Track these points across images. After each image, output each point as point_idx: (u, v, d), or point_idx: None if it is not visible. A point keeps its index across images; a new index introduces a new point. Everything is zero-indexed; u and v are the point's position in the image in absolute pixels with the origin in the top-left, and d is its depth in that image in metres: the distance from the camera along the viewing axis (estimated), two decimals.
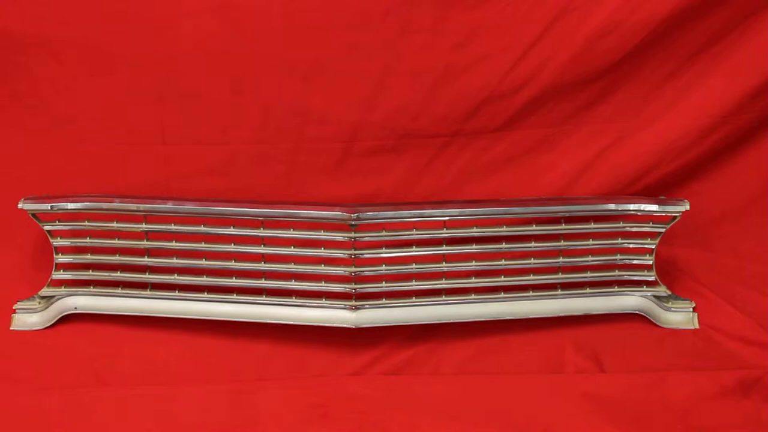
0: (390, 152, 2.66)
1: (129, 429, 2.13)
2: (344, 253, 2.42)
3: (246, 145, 2.63)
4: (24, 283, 2.59)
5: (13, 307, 2.50)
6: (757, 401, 2.21)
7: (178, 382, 2.31)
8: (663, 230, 2.46)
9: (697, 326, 2.50)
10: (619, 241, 2.48)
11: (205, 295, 2.48)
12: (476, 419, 2.15)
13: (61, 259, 2.51)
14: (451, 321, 2.46)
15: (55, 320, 2.50)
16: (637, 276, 2.51)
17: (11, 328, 2.49)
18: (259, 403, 2.22)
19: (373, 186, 2.68)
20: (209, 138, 2.62)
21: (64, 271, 2.52)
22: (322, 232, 2.41)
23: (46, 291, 2.51)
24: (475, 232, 2.43)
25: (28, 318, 2.50)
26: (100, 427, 2.14)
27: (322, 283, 2.45)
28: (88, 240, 2.49)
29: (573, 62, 2.58)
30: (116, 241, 2.48)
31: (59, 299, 2.50)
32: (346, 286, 2.44)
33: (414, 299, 2.46)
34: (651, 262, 2.50)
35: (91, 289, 2.51)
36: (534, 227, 2.46)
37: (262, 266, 2.46)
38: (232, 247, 2.45)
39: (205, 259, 2.47)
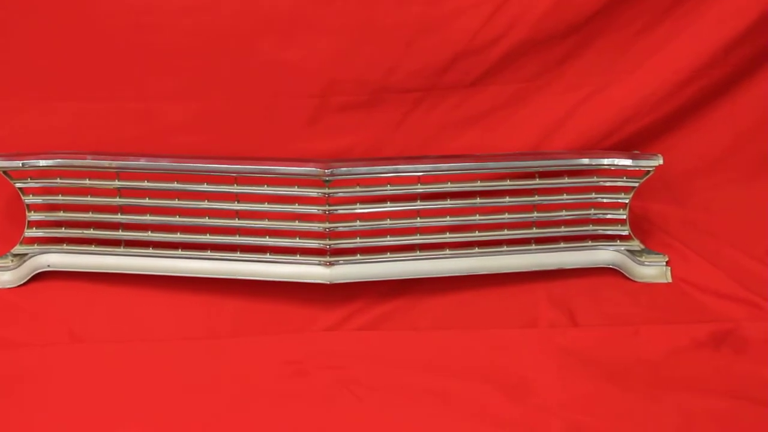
0: (364, 107, 2.65)
1: (104, 386, 2.12)
2: (318, 209, 2.41)
3: (220, 101, 2.62)
4: None
5: None
6: (729, 354, 2.23)
7: (152, 339, 2.30)
8: (636, 185, 2.46)
9: (669, 280, 2.51)
10: (593, 195, 2.49)
11: (179, 251, 2.47)
12: (451, 373, 2.15)
13: (34, 216, 2.49)
14: (426, 276, 2.46)
15: (28, 278, 2.49)
16: (610, 230, 2.52)
17: None
18: (234, 359, 2.22)
19: (348, 141, 2.67)
20: (183, 94, 2.60)
21: (36, 228, 2.50)
22: (296, 188, 2.40)
23: (18, 249, 2.50)
24: (449, 187, 2.43)
25: (1, 276, 2.48)
26: (74, 384, 2.13)
27: (297, 240, 2.44)
28: (60, 197, 2.48)
29: (547, 16, 2.57)
30: (89, 199, 2.47)
31: (32, 257, 2.49)
32: (321, 242, 2.43)
33: (388, 255, 2.46)
34: (624, 217, 2.50)
35: (64, 246, 2.50)
36: (508, 182, 2.46)
37: (236, 222, 2.45)
38: (205, 204, 2.44)
39: (179, 216, 2.46)
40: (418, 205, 2.44)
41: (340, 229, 2.43)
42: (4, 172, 2.43)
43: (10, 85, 2.60)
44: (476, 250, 2.49)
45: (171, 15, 2.53)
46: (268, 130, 2.65)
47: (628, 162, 2.45)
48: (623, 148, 2.63)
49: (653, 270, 2.52)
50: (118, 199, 2.45)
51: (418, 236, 2.47)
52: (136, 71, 2.58)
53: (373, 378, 2.15)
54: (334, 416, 2.04)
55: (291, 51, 2.57)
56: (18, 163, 2.41)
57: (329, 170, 2.35)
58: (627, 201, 2.49)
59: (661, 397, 2.09)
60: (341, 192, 2.40)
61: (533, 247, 2.51)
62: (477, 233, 2.49)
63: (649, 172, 2.45)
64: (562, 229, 2.51)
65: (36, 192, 2.49)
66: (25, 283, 2.49)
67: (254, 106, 2.63)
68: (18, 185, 2.45)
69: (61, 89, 2.59)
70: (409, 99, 2.65)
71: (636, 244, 2.52)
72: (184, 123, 2.63)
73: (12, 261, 2.49)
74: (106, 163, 2.41)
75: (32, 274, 2.50)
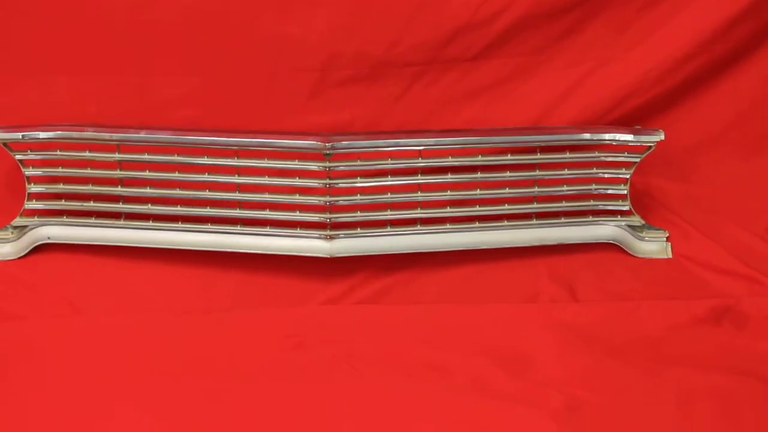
0: (365, 81, 2.64)
1: (103, 357, 2.13)
2: (319, 183, 2.41)
3: (220, 75, 2.61)
4: None
5: None
6: (729, 329, 2.23)
7: (151, 311, 2.31)
8: (638, 160, 2.46)
9: (670, 256, 2.51)
10: (594, 170, 2.48)
11: (180, 224, 2.47)
12: (451, 347, 2.16)
13: (34, 188, 2.49)
14: (426, 251, 2.46)
15: (28, 250, 2.49)
16: (611, 206, 2.52)
17: None
18: (233, 332, 2.23)
19: (348, 115, 2.66)
20: (183, 67, 2.59)
21: (36, 201, 2.50)
22: (296, 162, 2.40)
23: (18, 221, 2.49)
24: (450, 161, 2.43)
25: (1, 248, 2.49)
26: (73, 356, 2.13)
27: (297, 213, 2.44)
28: (60, 169, 2.47)
29: None
30: (89, 171, 2.46)
31: (32, 229, 2.49)
32: (321, 215, 2.43)
33: (389, 229, 2.46)
34: (625, 192, 2.50)
35: (64, 219, 2.50)
36: (509, 157, 2.45)
37: (237, 196, 2.45)
38: (206, 177, 2.44)
39: (180, 189, 2.46)
40: (419, 179, 2.44)
41: (341, 202, 2.43)
42: (5, 144, 2.42)
43: (10, 58, 2.58)
44: (477, 224, 2.49)
45: None
46: (268, 104, 2.64)
47: (629, 137, 2.44)
48: (625, 123, 2.62)
49: (654, 245, 2.51)
50: (118, 172, 2.45)
51: (419, 210, 2.47)
52: (135, 45, 2.57)
53: (373, 352, 2.15)
54: (333, 389, 2.04)
55: (291, 25, 2.56)
56: (18, 135, 2.40)
57: (330, 144, 2.34)
58: (628, 176, 2.48)
59: (661, 372, 2.09)
60: (342, 165, 2.40)
61: (534, 222, 2.50)
62: (478, 208, 2.49)
63: (650, 147, 2.44)
64: (563, 204, 2.51)
65: (36, 164, 2.49)
66: (24, 256, 2.49)
67: (254, 80, 2.62)
68: (18, 157, 2.44)
69: (60, 63, 2.58)
70: (409, 73, 2.64)
71: (637, 220, 2.52)
72: (184, 97, 2.62)
73: (12, 233, 2.49)
74: (106, 135, 2.40)
75: (32, 247, 2.50)
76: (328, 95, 2.64)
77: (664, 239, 2.52)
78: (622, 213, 2.52)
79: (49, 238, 2.50)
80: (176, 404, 2.00)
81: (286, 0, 2.54)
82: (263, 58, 2.60)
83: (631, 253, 2.52)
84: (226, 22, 2.55)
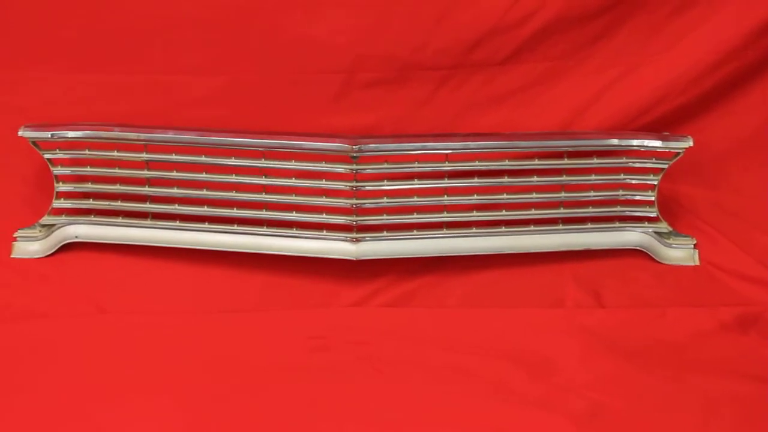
0: (391, 84, 2.64)
1: (128, 357, 2.14)
2: (345, 185, 2.41)
3: (246, 75, 2.62)
4: (25, 212, 2.58)
5: (14, 235, 2.50)
6: (756, 338, 2.22)
7: (177, 311, 2.32)
8: (666, 166, 2.45)
9: (697, 263, 2.50)
10: (622, 176, 2.47)
11: (206, 225, 2.47)
12: (475, 351, 2.15)
13: (62, 187, 2.50)
14: (452, 254, 2.46)
15: (55, 249, 2.50)
16: (638, 212, 2.51)
17: (12, 256, 2.49)
18: (258, 333, 2.23)
19: (374, 118, 2.66)
20: (210, 67, 2.60)
21: (64, 199, 2.51)
22: (323, 164, 2.40)
23: (46, 219, 2.51)
24: (477, 165, 2.43)
25: (29, 246, 2.50)
26: (99, 355, 2.14)
27: (323, 215, 2.44)
28: (88, 169, 2.48)
29: None
30: (117, 170, 2.47)
31: (60, 228, 2.50)
32: (347, 218, 2.43)
33: (415, 232, 2.46)
34: (653, 199, 2.49)
35: (92, 218, 2.51)
36: (536, 161, 2.45)
37: (263, 197, 2.45)
38: (233, 178, 2.44)
39: (206, 190, 2.46)
40: (446, 182, 2.44)
41: (367, 205, 2.43)
42: (33, 143, 2.43)
43: (37, 56, 2.60)
44: (503, 229, 2.48)
45: None
46: (294, 105, 2.65)
47: (657, 143, 2.43)
48: (653, 129, 2.61)
49: (681, 252, 2.50)
50: (145, 172, 2.46)
51: (446, 214, 2.46)
52: (162, 44, 2.59)
53: (397, 354, 2.15)
54: (356, 391, 2.04)
55: (319, 26, 2.57)
56: (47, 134, 2.42)
57: (357, 146, 2.34)
58: (656, 183, 2.47)
59: (685, 379, 2.08)
60: (369, 168, 2.40)
61: (560, 227, 2.50)
62: (504, 212, 2.48)
63: (678, 153, 2.43)
64: (590, 209, 2.50)
65: (65, 163, 2.50)
66: (52, 254, 2.50)
67: (281, 81, 2.63)
68: (47, 156, 2.46)
69: (88, 61, 2.60)
70: (436, 76, 2.64)
71: (664, 226, 2.50)
72: (210, 97, 2.63)
73: (40, 231, 2.50)
74: (134, 135, 2.41)
75: (60, 245, 2.51)
76: (354, 98, 2.64)
77: (692, 246, 2.51)
78: (649, 219, 2.51)
79: (76, 236, 2.51)
80: (200, 403, 2.01)
81: (313, 1, 2.55)
82: (290, 59, 2.60)
83: (657, 259, 2.51)
84: (254, 23, 2.56)
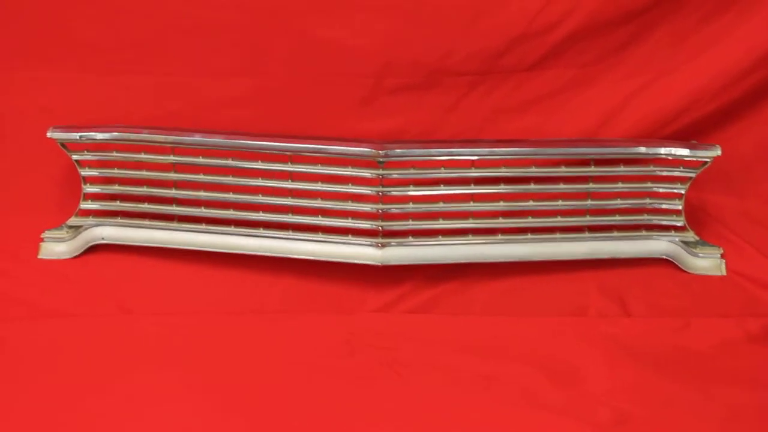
0: (419, 89, 2.63)
1: (152, 358, 2.14)
2: (371, 190, 2.41)
3: (274, 79, 2.62)
4: (52, 212, 2.60)
5: (41, 236, 2.52)
6: None
7: (202, 313, 2.32)
8: (693, 175, 2.44)
9: (724, 273, 2.48)
10: (649, 185, 2.46)
11: (232, 228, 2.48)
12: (499, 358, 2.15)
13: (89, 189, 2.52)
14: (478, 261, 2.46)
15: (82, 250, 2.52)
16: (665, 221, 2.50)
17: (39, 257, 2.51)
18: (282, 337, 2.23)
19: (401, 123, 2.66)
20: (237, 70, 2.61)
21: (92, 201, 2.53)
22: (349, 169, 2.40)
23: (73, 221, 2.52)
24: (503, 172, 2.42)
25: (56, 247, 2.51)
26: (123, 356, 2.15)
27: (349, 220, 2.45)
28: (115, 171, 2.50)
29: (607, 2, 2.54)
30: (144, 173, 2.49)
31: (87, 229, 2.52)
32: (373, 223, 2.43)
33: (440, 238, 2.45)
34: (680, 207, 2.48)
35: (119, 219, 2.53)
36: (563, 168, 2.45)
37: (289, 201, 2.46)
38: (259, 182, 2.45)
39: (233, 193, 2.47)
40: (472, 189, 2.44)
41: (393, 210, 2.43)
42: (62, 144, 2.45)
43: (66, 57, 2.61)
44: (529, 236, 2.48)
45: None
46: (321, 109, 2.65)
47: (685, 152, 2.42)
48: (681, 137, 2.60)
49: (707, 262, 2.49)
50: (172, 174, 2.47)
51: (471, 220, 2.46)
52: (190, 46, 2.59)
53: (421, 360, 2.15)
54: (379, 397, 2.04)
55: (347, 30, 2.57)
56: (75, 136, 2.43)
57: (384, 151, 2.34)
58: (683, 191, 2.46)
59: (709, 389, 2.07)
60: (395, 173, 2.40)
61: (586, 234, 2.49)
62: (530, 219, 2.48)
63: (706, 162, 2.42)
64: (616, 217, 2.49)
65: (92, 165, 2.51)
66: (79, 255, 2.52)
67: (308, 85, 2.63)
68: (75, 157, 2.47)
69: (116, 63, 2.60)
70: (465, 82, 2.63)
71: (691, 236, 2.49)
72: (237, 100, 2.64)
73: (67, 233, 2.51)
74: (161, 137, 2.43)
75: (86, 246, 2.52)
76: (381, 102, 2.64)
77: (719, 256, 2.49)
78: (676, 228, 2.50)
79: (103, 238, 2.52)
80: (222, 404, 2.01)
81: (342, 6, 2.55)
82: (318, 63, 2.60)
83: (684, 269, 2.50)
84: (282, 26, 2.56)
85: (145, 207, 2.51)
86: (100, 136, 2.44)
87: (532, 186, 2.44)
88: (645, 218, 2.50)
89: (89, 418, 1.97)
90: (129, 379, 2.07)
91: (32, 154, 2.62)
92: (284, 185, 2.44)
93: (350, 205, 2.44)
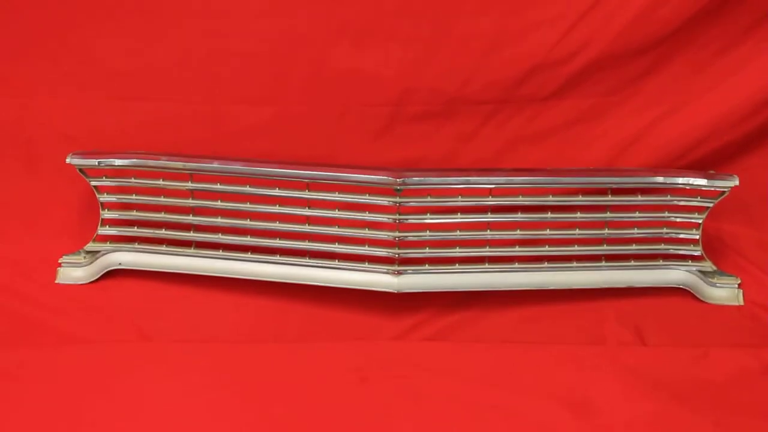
0: (437, 117, 2.64)
1: (169, 385, 2.14)
2: (388, 218, 2.41)
3: (293, 106, 2.63)
4: (70, 238, 2.62)
5: (59, 261, 2.53)
6: None
7: (219, 340, 2.33)
8: (711, 205, 2.43)
9: (741, 303, 2.48)
10: (666, 214, 2.46)
11: (249, 255, 2.49)
12: (516, 387, 2.14)
13: (107, 214, 2.53)
14: (494, 289, 2.45)
15: (99, 275, 2.53)
16: (683, 250, 2.49)
17: (56, 281, 2.52)
18: (299, 364, 2.22)
19: (419, 151, 2.67)
20: (257, 98, 2.62)
21: (109, 227, 2.54)
22: (367, 196, 2.41)
23: (91, 246, 2.53)
24: (520, 200, 2.42)
25: (73, 272, 2.52)
26: (140, 382, 2.14)
27: (366, 247, 2.45)
28: (134, 197, 2.51)
29: (625, 33, 2.55)
30: (162, 199, 2.50)
31: (104, 254, 2.53)
32: (390, 250, 2.43)
33: (457, 266, 2.46)
34: (697, 237, 2.47)
35: (136, 245, 2.54)
36: (580, 197, 2.45)
37: (307, 228, 2.46)
38: (277, 209, 2.45)
39: (250, 220, 2.48)
40: (489, 217, 2.44)
41: (410, 238, 2.43)
42: (80, 170, 2.46)
43: (88, 83, 2.62)
44: (546, 264, 2.48)
45: (246, 20, 2.56)
46: (339, 137, 2.66)
47: (703, 182, 2.42)
48: (699, 167, 2.60)
49: (725, 292, 2.48)
50: (190, 201, 2.48)
51: (488, 249, 2.46)
52: (208, 74, 2.61)
53: (437, 389, 2.14)
54: (396, 426, 2.03)
55: (365, 59, 2.58)
56: (94, 162, 2.45)
57: (401, 179, 2.35)
58: (701, 221, 2.46)
59: (726, 420, 2.05)
60: (412, 201, 2.41)
61: (603, 264, 2.49)
62: (547, 248, 2.48)
63: (724, 192, 2.42)
64: (633, 247, 2.49)
65: (110, 190, 2.53)
66: (96, 280, 2.53)
67: (326, 112, 2.64)
68: (93, 183, 2.49)
69: (137, 89, 2.62)
70: (482, 111, 2.64)
71: (708, 265, 2.49)
72: (256, 127, 2.65)
73: (84, 258, 2.52)
74: (180, 164, 2.44)
75: (103, 272, 2.53)
76: (400, 131, 2.65)
77: (736, 285, 2.49)
78: (693, 258, 2.50)
79: (120, 264, 2.53)
80: None
81: (360, 34, 2.56)
82: (337, 91, 2.62)
83: (701, 298, 2.49)
84: (302, 54, 2.58)
85: (163, 233, 2.52)
86: (118, 162, 2.45)
87: (549, 215, 2.44)
88: (662, 248, 2.49)
89: None
90: (148, 406, 2.07)
91: (52, 179, 2.64)
92: (302, 212, 2.45)
93: (367, 233, 2.44)
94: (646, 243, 2.49)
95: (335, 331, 2.39)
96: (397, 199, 2.38)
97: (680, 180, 2.44)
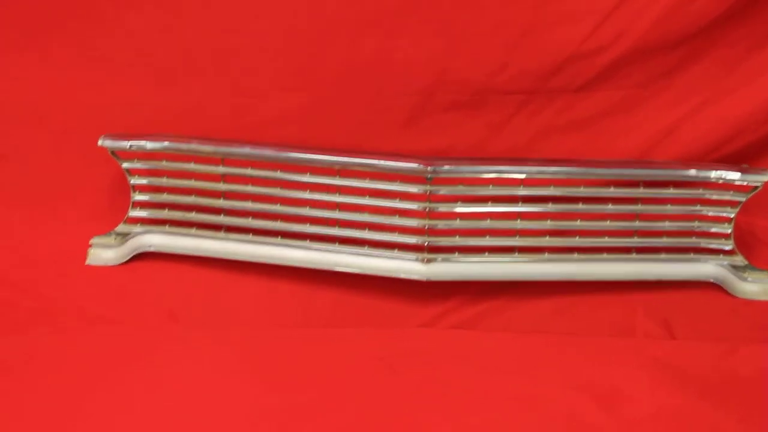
0: (468, 107, 2.63)
1: (197, 366, 2.15)
2: (419, 206, 2.41)
3: (324, 93, 2.63)
4: (100, 220, 2.62)
5: (90, 242, 2.54)
6: None
7: (248, 325, 2.34)
8: (744, 199, 2.42)
9: None
10: (698, 207, 2.45)
11: (279, 240, 2.49)
12: (543, 378, 2.13)
13: (138, 197, 2.54)
14: (523, 279, 2.45)
15: (129, 257, 2.54)
16: (714, 244, 2.48)
17: (86, 263, 2.53)
18: (327, 350, 2.22)
19: (450, 140, 2.66)
20: (288, 84, 2.62)
21: (140, 209, 2.55)
22: (397, 184, 2.40)
23: (122, 228, 2.54)
24: (552, 191, 2.42)
25: (104, 253, 2.53)
26: (168, 364, 2.15)
27: (395, 235, 2.45)
28: (165, 180, 2.52)
29: (659, 25, 2.53)
30: (193, 182, 2.50)
31: (135, 237, 2.54)
32: (419, 238, 2.43)
33: (486, 255, 2.45)
34: (729, 231, 2.46)
35: (167, 228, 2.55)
36: (612, 189, 2.43)
37: (337, 214, 2.46)
38: (307, 194, 2.46)
39: (280, 205, 2.48)
40: (520, 207, 2.43)
41: (440, 226, 2.43)
42: (112, 153, 2.47)
43: (119, 68, 2.62)
44: (576, 255, 2.47)
45: (279, 5, 2.56)
46: (369, 125, 2.66)
47: (736, 176, 2.41)
48: (732, 161, 2.58)
49: (756, 287, 2.47)
50: (221, 185, 2.49)
51: (518, 238, 2.46)
52: (241, 60, 2.61)
53: (464, 378, 2.13)
54: (422, 414, 2.03)
55: (396, 48, 2.57)
56: (126, 144, 2.45)
57: (432, 167, 2.35)
58: (733, 215, 2.44)
59: (754, 417, 2.04)
60: (443, 190, 2.40)
61: (634, 256, 2.48)
62: (577, 239, 2.47)
63: (757, 187, 2.40)
64: (664, 239, 2.48)
65: (142, 173, 2.54)
66: (126, 262, 2.54)
67: (358, 100, 2.64)
68: (125, 166, 2.50)
69: (170, 73, 2.63)
70: (513, 101, 2.63)
71: (740, 260, 2.48)
72: (287, 113, 2.65)
73: (115, 240, 2.53)
74: (211, 148, 2.44)
75: (134, 254, 2.54)
76: (429, 120, 2.64)
77: None
78: (724, 252, 2.48)
79: (150, 246, 2.54)
80: (265, 417, 2.01)
81: (391, 22, 2.56)
82: (368, 78, 2.61)
83: (731, 293, 2.48)
84: (333, 41, 2.58)
85: (193, 216, 2.53)
86: (150, 145, 2.46)
87: (580, 206, 2.43)
88: (693, 241, 2.48)
89: (135, 424, 1.98)
90: (176, 388, 2.08)
91: (83, 161, 2.65)
92: (332, 198, 2.45)
93: (397, 220, 2.45)
94: (678, 236, 2.48)
95: (363, 318, 2.39)
96: (428, 188, 2.38)
97: (713, 173, 2.42)
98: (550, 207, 2.43)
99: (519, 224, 2.45)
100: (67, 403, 2.03)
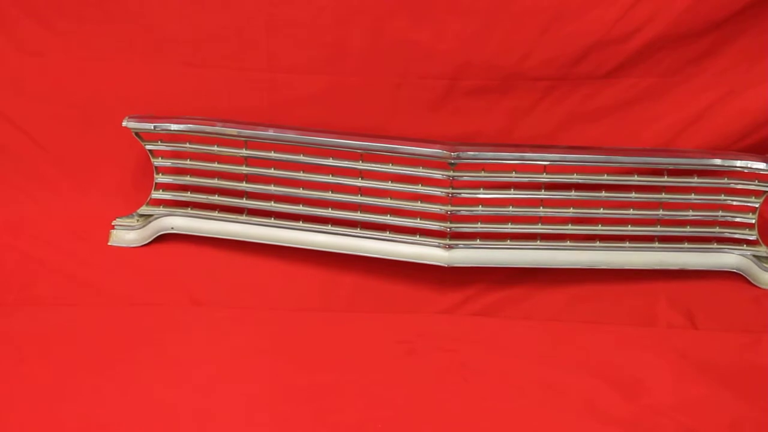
0: (494, 92, 2.62)
1: (218, 348, 2.16)
2: (441, 192, 2.41)
3: (349, 77, 2.62)
4: (123, 201, 2.63)
5: (112, 223, 2.54)
6: None
7: (269, 308, 2.34)
8: None
9: None
10: (722, 197, 2.44)
11: (301, 223, 2.49)
12: (563, 366, 2.14)
13: (161, 179, 2.54)
14: (545, 267, 2.45)
15: (151, 239, 2.54)
16: (738, 234, 2.47)
17: (109, 244, 2.54)
18: (347, 334, 2.24)
19: (475, 126, 2.65)
20: (313, 67, 2.61)
21: (163, 191, 2.55)
22: (420, 169, 2.40)
23: (144, 209, 2.55)
24: (575, 178, 2.41)
25: (126, 235, 2.54)
26: (189, 345, 2.17)
27: (418, 220, 2.45)
28: (188, 162, 2.52)
29: (687, 12, 2.51)
30: (216, 165, 2.50)
31: (157, 218, 2.54)
32: (442, 224, 2.43)
33: (509, 242, 2.45)
34: (753, 221, 2.45)
35: (189, 210, 2.55)
36: (636, 177, 2.42)
37: (359, 199, 2.46)
38: (330, 178, 2.46)
39: (303, 189, 2.48)
40: (543, 194, 2.42)
41: (462, 212, 2.43)
42: (136, 134, 2.47)
43: (147, 47, 2.62)
44: (598, 243, 2.46)
45: None
46: (393, 109, 2.65)
47: (762, 165, 2.39)
48: (757, 151, 2.56)
49: None
50: (244, 168, 2.48)
51: (540, 226, 2.45)
52: (267, 41, 2.60)
53: (485, 364, 2.15)
54: (442, 399, 2.04)
55: (423, 31, 2.56)
56: (150, 126, 2.46)
57: (455, 153, 2.34)
58: (757, 205, 2.43)
59: None
60: (466, 176, 2.40)
61: (656, 245, 2.47)
62: (600, 227, 2.46)
63: None
64: (688, 229, 2.47)
65: (165, 155, 2.53)
66: (148, 244, 2.55)
67: (382, 84, 2.63)
68: (148, 147, 2.50)
69: (195, 55, 2.62)
70: (540, 87, 2.61)
71: (763, 250, 2.46)
72: (311, 97, 2.64)
73: (137, 221, 2.54)
74: (234, 131, 2.44)
75: (156, 235, 2.55)
76: (455, 104, 2.63)
77: None
78: (748, 242, 2.47)
79: (173, 228, 2.55)
80: (285, 399, 2.03)
81: (418, 7, 2.54)
82: (393, 63, 2.60)
83: (754, 283, 2.47)
84: (359, 25, 2.56)
85: (216, 199, 2.53)
86: (174, 127, 2.46)
87: (603, 194, 2.42)
88: (717, 231, 2.47)
89: (157, 405, 2.00)
90: (196, 369, 2.09)
91: (107, 141, 2.65)
92: (355, 183, 2.45)
93: (419, 206, 2.44)
94: (701, 225, 2.47)
95: (384, 303, 2.40)
96: (451, 173, 2.37)
97: (738, 163, 2.41)
98: (573, 194, 2.42)
99: (541, 211, 2.44)
100: (88, 380, 2.05)
